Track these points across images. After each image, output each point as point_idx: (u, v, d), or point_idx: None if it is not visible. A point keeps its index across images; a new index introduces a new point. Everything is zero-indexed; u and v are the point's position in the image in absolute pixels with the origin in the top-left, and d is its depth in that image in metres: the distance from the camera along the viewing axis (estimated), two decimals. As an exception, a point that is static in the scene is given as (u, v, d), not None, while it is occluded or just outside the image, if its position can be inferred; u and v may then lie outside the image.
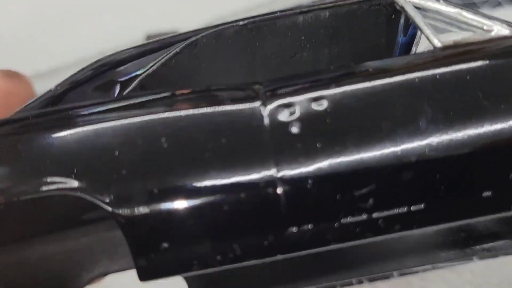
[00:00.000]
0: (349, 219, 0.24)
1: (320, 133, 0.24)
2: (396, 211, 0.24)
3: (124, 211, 0.23)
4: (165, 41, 0.29)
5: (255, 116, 0.24)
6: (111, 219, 0.24)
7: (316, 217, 0.24)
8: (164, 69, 0.28)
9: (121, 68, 0.29)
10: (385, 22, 0.29)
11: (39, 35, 0.68)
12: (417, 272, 0.49)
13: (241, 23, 0.28)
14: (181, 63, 0.29)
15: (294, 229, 0.24)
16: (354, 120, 0.24)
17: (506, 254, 0.37)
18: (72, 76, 0.29)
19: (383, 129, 0.23)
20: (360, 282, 0.48)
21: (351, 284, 0.48)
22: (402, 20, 0.29)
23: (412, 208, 0.23)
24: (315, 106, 0.24)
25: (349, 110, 0.24)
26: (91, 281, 0.41)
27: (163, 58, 0.28)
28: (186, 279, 0.42)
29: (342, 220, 0.24)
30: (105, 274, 0.42)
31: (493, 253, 0.37)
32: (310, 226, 0.24)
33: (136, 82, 0.27)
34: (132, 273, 0.45)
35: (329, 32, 0.29)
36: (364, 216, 0.24)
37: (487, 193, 0.23)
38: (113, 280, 0.44)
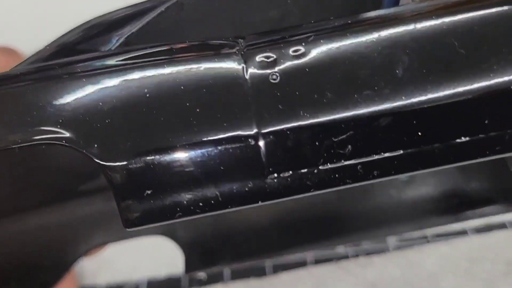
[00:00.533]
0: (328, 165, 0.24)
1: (299, 82, 0.24)
2: (374, 157, 0.24)
3: (108, 160, 0.24)
4: (153, 3, 0.30)
5: (236, 67, 0.25)
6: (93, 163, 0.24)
7: (296, 164, 0.24)
8: (149, 28, 0.29)
9: (111, 31, 0.30)
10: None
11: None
12: (412, 245, 0.50)
13: None
14: (166, 23, 0.29)
15: (275, 175, 0.24)
16: (332, 70, 0.24)
17: (495, 214, 0.38)
18: (59, 38, 0.29)
19: (360, 77, 0.24)
20: (356, 255, 0.49)
21: (346, 257, 0.49)
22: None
23: (390, 154, 0.24)
24: (295, 58, 0.25)
25: (327, 60, 0.24)
26: (88, 252, 0.42)
27: (148, 17, 0.29)
28: (183, 250, 0.43)
29: (321, 167, 0.24)
30: (103, 244, 0.42)
31: (485, 217, 0.38)
32: (290, 173, 0.24)
33: (121, 40, 0.28)
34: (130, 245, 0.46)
35: None
36: (342, 162, 0.24)
37: (463, 139, 0.24)
38: (110, 252, 0.45)
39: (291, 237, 0.41)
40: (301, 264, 0.49)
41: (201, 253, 0.42)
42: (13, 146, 0.24)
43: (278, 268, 0.49)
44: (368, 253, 0.50)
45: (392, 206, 0.41)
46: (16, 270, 0.36)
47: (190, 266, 0.41)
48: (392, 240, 0.50)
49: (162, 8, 0.28)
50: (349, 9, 0.32)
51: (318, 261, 0.49)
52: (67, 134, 0.24)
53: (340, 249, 0.50)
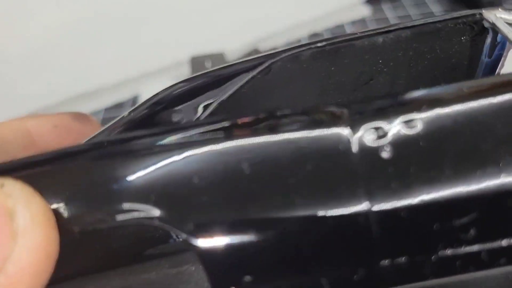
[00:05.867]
0: (448, 251, 0.22)
1: (414, 157, 0.22)
2: (501, 242, 0.22)
3: (205, 241, 0.22)
4: (233, 68, 0.28)
5: (342, 140, 0.23)
6: (187, 251, 0.22)
7: (411, 249, 0.22)
8: (236, 96, 0.27)
9: (180, 106, 0.28)
10: (470, 41, 0.28)
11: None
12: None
13: (319, 44, 0.27)
14: (254, 88, 0.27)
15: (387, 262, 0.22)
16: (450, 143, 0.22)
17: None
18: (124, 117, 0.28)
19: (483, 151, 0.22)
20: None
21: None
22: (488, 40, 0.27)
23: None
24: (407, 129, 0.22)
25: (444, 132, 0.22)
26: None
27: (237, 84, 0.27)
28: None
29: (440, 253, 0.22)
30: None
31: None
32: (404, 259, 0.22)
33: (210, 108, 0.26)
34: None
35: (408, 54, 0.28)
36: (465, 248, 0.22)
37: None
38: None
39: None
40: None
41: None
42: (102, 227, 0.22)
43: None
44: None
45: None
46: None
47: None
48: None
49: (254, 73, 0.26)
50: (440, 73, 0.30)
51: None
52: (159, 213, 0.22)
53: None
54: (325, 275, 0.22)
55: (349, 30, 0.80)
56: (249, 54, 0.71)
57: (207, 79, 0.28)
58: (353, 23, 0.82)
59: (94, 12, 0.68)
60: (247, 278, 0.22)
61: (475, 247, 0.21)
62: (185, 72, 0.69)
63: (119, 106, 0.70)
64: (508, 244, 0.21)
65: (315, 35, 0.81)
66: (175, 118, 0.27)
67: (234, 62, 0.29)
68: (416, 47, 0.28)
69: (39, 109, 0.68)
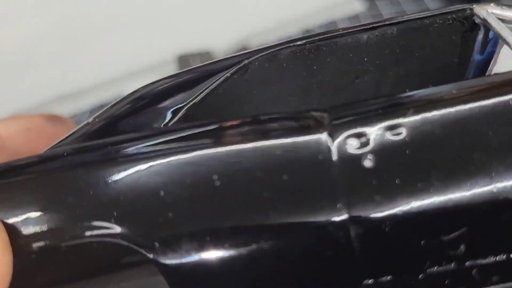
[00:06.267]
0: (436, 269, 0.20)
1: (399, 167, 0.20)
2: (493, 259, 0.20)
3: (170, 260, 0.20)
4: (207, 68, 0.26)
5: (321, 148, 0.21)
6: (154, 265, 0.21)
7: (397, 267, 0.20)
8: (211, 98, 0.25)
9: (163, 101, 0.26)
10: (460, 38, 0.26)
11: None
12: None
13: (298, 43, 0.25)
14: (230, 90, 0.26)
15: (370, 281, 0.20)
16: (438, 152, 0.20)
17: None
18: (105, 111, 0.26)
19: (474, 161, 0.20)
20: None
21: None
22: (480, 37, 0.25)
23: None
24: (391, 136, 0.21)
25: (432, 139, 0.20)
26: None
27: (210, 85, 0.25)
28: None
29: (427, 271, 0.20)
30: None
31: None
32: (389, 278, 0.20)
33: (181, 112, 0.24)
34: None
35: (395, 52, 0.26)
36: (454, 266, 0.20)
37: None
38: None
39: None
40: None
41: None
42: (62, 244, 0.20)
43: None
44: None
45: None
46: None
47: None
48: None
49: (227, 74, 0.24)
50: (429, 71, 0.28)
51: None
52: (122, 230, 0.20)
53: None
54: None
55: (342, 26, 0.78)
56: (238, 51, 0.69)
57: (183, 77, 0.27)
58: (348, 19, 0.80)
59: (78, 12, 0.66)
60: None
61: (465, 264, 0.20)
62: (172, 71, 0.67)
63: (104, 106, 0.68)
64: (500, 260, 0.20)
65: (307, 31, 0.79)
66: (143, 121, 0.25)
67: (210, 62, 0.27)
68: (403, 44, 0.26)
69: (22, 110, 0.66)
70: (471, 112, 0.21)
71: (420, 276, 0.20)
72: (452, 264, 0.20)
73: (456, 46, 0.26)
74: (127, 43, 0.69)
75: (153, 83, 0.27)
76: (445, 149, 0.20)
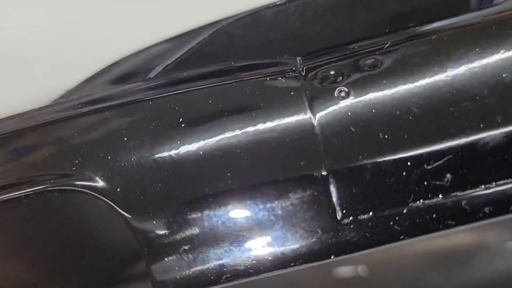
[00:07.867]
0: (421, 202, 0.18)
1: (375, 95, 0.18)
2: (483, 189, 0.18)
3: (136, 212, 0.19)
4: (192, 33, 0.27)
5: (296, 85, 0.19)
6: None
7: (377, 202, 0.18)
8: (192, 57, 0.25)
9: (156, 59, 0.26)
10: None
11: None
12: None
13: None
14: (211, 51, 0.25)
15: (350, 219, 0.18)
16: (417, 78, 0.18)
17: None
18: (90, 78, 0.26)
19: (454, 83, 0.18)
20: None
21: None
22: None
23: (508, 183, 0.18)
24: (367, 69, 0.19)
25: (410, 68, 0.19)
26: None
27: (190, 47, 0.25)
28: None
29: (412, 205, 0.18)
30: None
31: None
32: (370, 215, 0.18)
33: (160, 69, 0.23)
34: None
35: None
36: (440, 198, 0.18)
37: None
38: None
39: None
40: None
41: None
42: (21, 194, 0.19)
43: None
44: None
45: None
46: None
47: None
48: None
49: (205, 35, 0.24)
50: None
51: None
52: (85, 180, 0.19)
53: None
54: (277, 242, 0.18)
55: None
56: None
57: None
58: None
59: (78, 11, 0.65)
60: (185, 247, 0.18)
61: (453, 196, 0.18)
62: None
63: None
64: (492, 190, 0.18)
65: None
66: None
67: (196, 28, 0.27)
68: None
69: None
70: (451, 44, 0.19)
71: (403, 210, 0.18)
72: (439, 196, 0.18)
73: None
74: (127, 43, 0.68)
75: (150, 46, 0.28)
76: (423, 76, 0.18)
